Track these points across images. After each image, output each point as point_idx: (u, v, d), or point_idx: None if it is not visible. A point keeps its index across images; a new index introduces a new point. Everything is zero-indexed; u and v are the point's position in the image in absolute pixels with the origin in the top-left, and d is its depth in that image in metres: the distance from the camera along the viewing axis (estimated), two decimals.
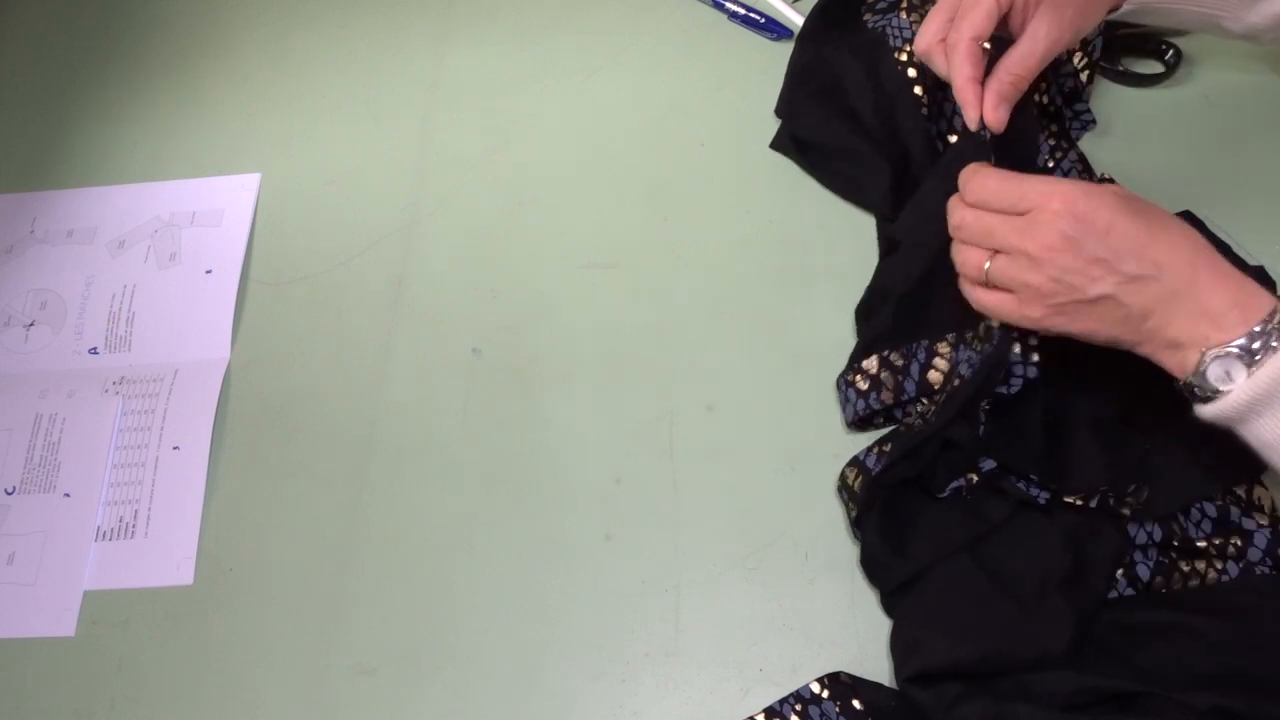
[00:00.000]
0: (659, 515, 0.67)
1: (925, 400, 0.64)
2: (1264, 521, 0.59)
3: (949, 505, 0.62)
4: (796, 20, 0.85)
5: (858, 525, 0.62)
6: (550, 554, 0.67)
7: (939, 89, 0.75)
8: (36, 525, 0.72)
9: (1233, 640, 0.56)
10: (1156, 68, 0.77)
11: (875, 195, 0.74)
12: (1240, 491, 0.61)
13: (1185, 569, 0.59)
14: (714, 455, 0.69)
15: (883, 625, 0.62)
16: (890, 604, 0.62)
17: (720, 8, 0.87)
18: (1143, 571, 0.60)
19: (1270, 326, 0.50)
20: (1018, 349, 0.60)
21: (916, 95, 0.73)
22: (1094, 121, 0.75)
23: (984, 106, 0.61)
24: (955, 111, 0.74)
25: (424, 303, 0.78)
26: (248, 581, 0.69)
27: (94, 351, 0.79)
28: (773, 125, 0.80)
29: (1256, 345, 0.50)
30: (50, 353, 0.79)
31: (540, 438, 0.71)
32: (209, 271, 0.81)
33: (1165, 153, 0.74)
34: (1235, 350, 0.51)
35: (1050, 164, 0.73)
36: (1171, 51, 0.77)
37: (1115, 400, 0.63)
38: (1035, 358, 0.60)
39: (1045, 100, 0.73)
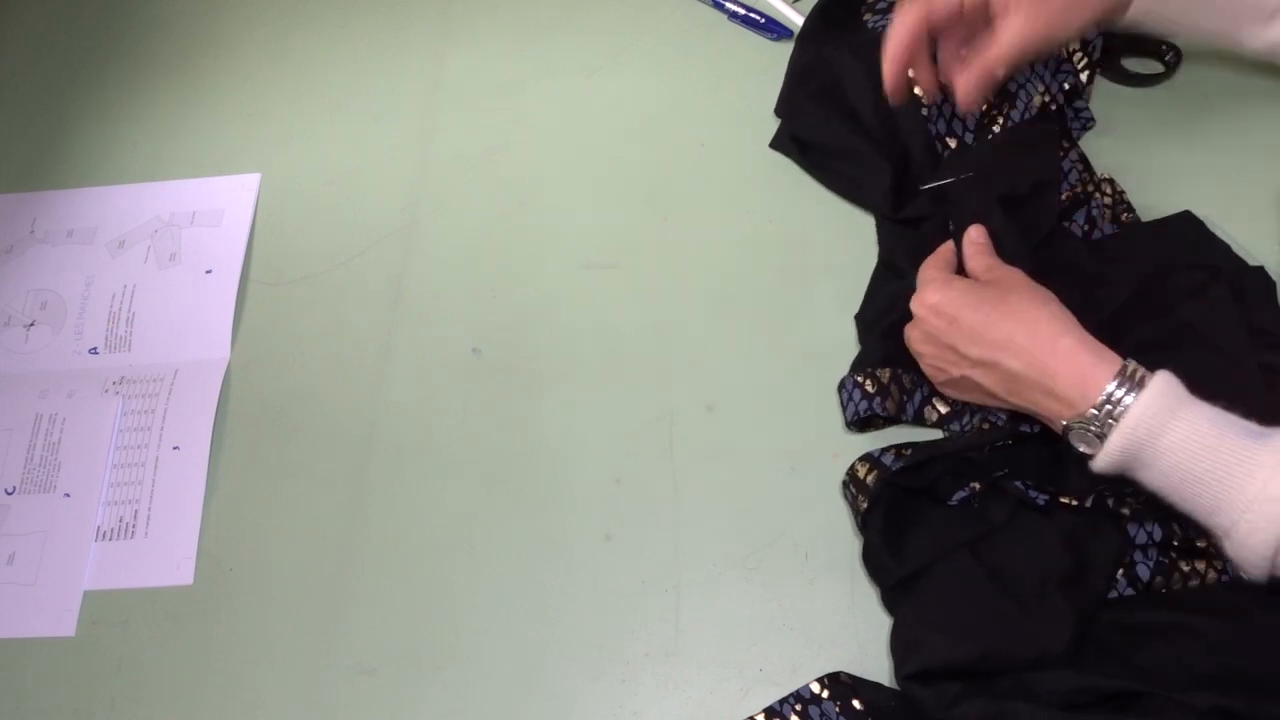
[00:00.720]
0: (659, 515, 0.67)
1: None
2: None
3: (952, 506, 0.62)
4: (796, 20, 0.85)
5: (865, 519, 0.62)
6: (550, 554, 0.67)
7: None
8: (36, 525, 0.72)
9: (1233, 640, 0.56)
10: (1156, 68, 0.77)
11: (875, 195, 0.74)
12: None
13: (1185, 569, 0.59)
14: (714, 455, 0.69)
15: (883, 625, 0.62)
16: (891, 602, 0.62)
17: (720, 8, 0.87)
18: (1143, 571, 0.60)
19: (1106, 405, 0.55)
20: None
21: (916, 95, 0.74)
22: (1094, 121, 0.75)
23: (959, 81, 0.65)
24: (955, 112, 0.74)
25: (424, 303, 0.78)
26: (248, 581, 0.69)
27: (94, 351, 0.79)
28: (773, 125, 0.80)
29: (1095, 426, 0.55)
30: (50, 353, 0.79)
31: (540, 438, 0.71)
32: (209, 271, 0.81)
33: (1165, 153, 0.74)
34: (1082, 428, 0.56)
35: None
36: (1171, 52, 0.77)
37: None
38: None
39: (1046, 100, 0.73)
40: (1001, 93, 0.74)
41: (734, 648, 0.63)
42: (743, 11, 0.86)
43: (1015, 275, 0.62)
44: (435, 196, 0.82)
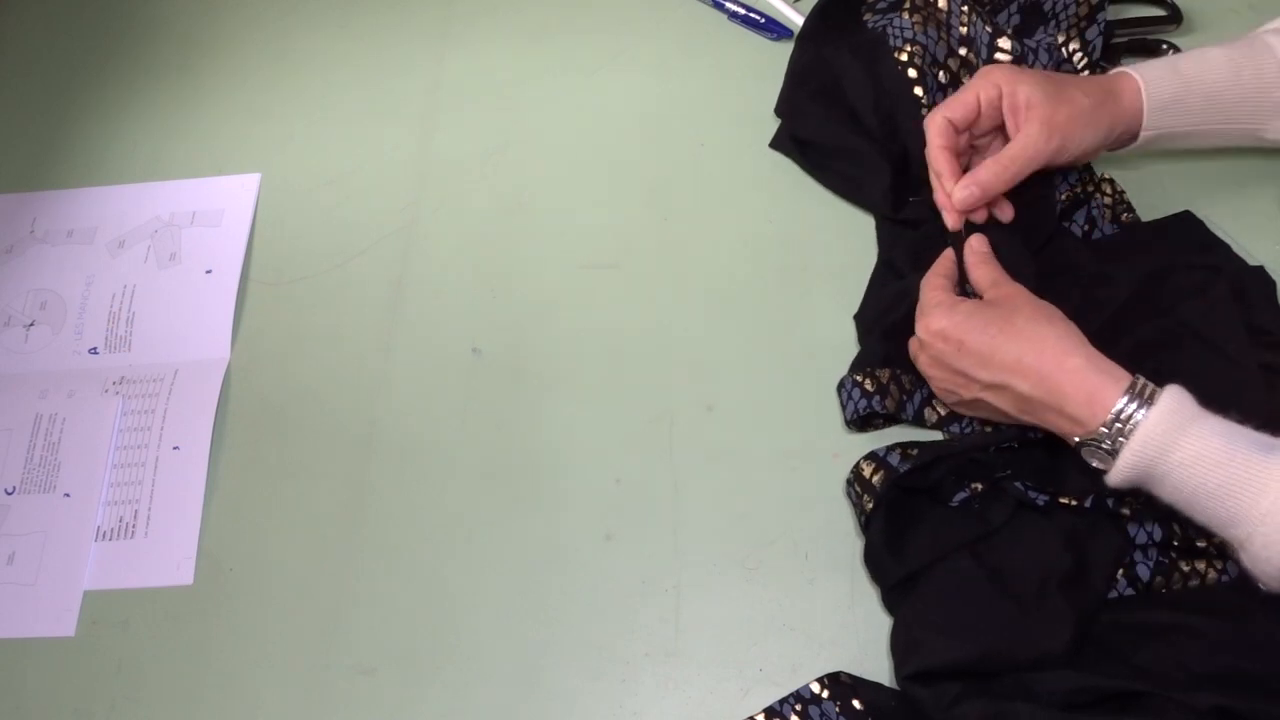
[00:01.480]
0: (659, 515, 0.67)
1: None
2: None
3: (952, 506, 0.62)
4: (796, 20, 0.85)
5: (869, 519, 0.62)
6: (550, 554, 0.67)
7: (939, 90, 0.75)
8: (36, 525, 0.72)
9: (1233, 640, 0.56)
10: None
11: (875, 195, 0.74)
12: None
13: (1185, 569, 0.59)
14: (714, 455, 0.69)
15: (883, 625, 0.62)
16: (891, 602, 0.62)
17: (720, 8, 0.87)
18: (1143, 571, 0.60)
19: (1116, 423, 0.55)
20: None
21: (916, 95, 0.74)
22: None
23: (958, 183, 0.66)
24: None
25: (424, 303, 0.78)
26: (248, 581, 0.69)
27: (94, 351, 0.79)
28: (773, 125, 0.80)
29: (1106, 443, 0.56)
30: (50, 353, 0.79)
31: (540, 438, 0.71)
32: (209, 271, 0.81)
33: (1165, 153, 0.74)
34: (1093, 445, 0.56)
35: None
36: (1171, 52, 0.77)
37: None
38: None
39: None
40: None
41: (734, 648, 0.63)
42: (743, 11, 0.86)
43: (1020, 293, 0.62)
44: (435, 196, 0.82)
